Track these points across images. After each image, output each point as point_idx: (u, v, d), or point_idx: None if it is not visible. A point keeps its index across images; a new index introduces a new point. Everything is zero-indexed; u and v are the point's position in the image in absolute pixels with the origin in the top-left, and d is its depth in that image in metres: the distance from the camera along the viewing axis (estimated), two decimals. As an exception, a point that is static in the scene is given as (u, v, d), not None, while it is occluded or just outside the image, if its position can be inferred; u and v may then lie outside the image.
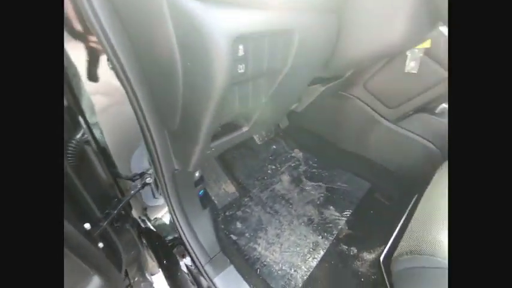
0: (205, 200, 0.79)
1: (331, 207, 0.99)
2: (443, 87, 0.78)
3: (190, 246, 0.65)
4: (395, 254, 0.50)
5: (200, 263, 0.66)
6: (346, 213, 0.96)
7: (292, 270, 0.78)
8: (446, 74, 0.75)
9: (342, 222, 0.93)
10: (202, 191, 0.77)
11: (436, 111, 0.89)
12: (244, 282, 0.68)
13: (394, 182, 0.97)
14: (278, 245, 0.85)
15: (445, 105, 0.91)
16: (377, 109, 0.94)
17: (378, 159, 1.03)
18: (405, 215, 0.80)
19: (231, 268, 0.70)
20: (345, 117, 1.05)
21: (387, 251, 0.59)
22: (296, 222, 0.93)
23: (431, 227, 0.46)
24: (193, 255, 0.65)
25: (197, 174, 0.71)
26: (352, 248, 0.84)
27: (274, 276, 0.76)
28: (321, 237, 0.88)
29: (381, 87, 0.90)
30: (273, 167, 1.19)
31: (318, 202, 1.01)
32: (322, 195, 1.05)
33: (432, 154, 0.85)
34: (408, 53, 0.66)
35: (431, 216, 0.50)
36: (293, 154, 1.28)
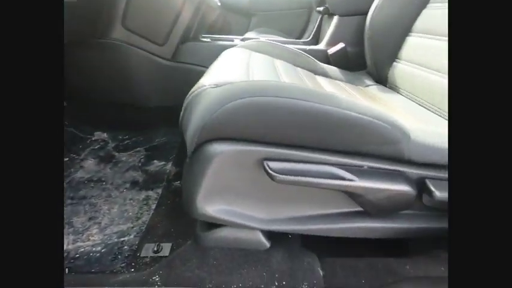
0: None
1: (155, 161, 0.90)
2: (188, 13, 0.89)
3: None
4: None
5: None
6: (171, 158, 0.91)
7: (123, 237, 0.61)
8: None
9: (169, 166, 0.87)
10: None
11: (201, 39, 1.03)
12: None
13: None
14: (95, 226, 0.64)
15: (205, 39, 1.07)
16: (150, 49, 0.93)
17: (176, 101, 1.05)
18: None
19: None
20: (122, 69, 0.95)
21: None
22: (117, 193, 0.75)
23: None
24: None
25: None
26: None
27: (96, 259, 0.55)
28: (151, 189, 0.77)
29: (141, 24, 0.89)
30: (66, 159, 0.89)
31: (140, 164, 0.88)
32: (143, 156, 0.92)
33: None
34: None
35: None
36: (94, 138, 1.02)
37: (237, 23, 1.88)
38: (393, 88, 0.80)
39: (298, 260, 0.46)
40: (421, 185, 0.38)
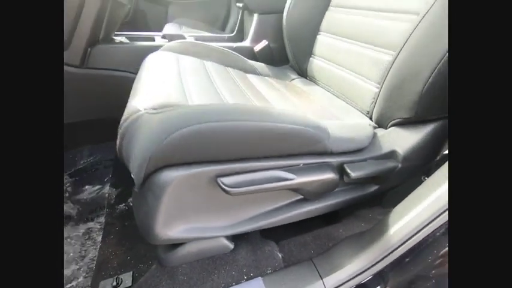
0: None
1: (87, 186, 0.79)
2: (91, 10, 0.76)
3: None
4: None
5: None
6: (106, 179, 0.82)
7: (70, 283, 0.55)
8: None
9: (107, 188, 0.78)
10: None
11: (113, 38, 0.91)
12: None
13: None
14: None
15: (120, 38, 0.95)
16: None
17: (98, 114, 0.92)
18: None
19: None
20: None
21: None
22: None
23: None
24: None
25: None
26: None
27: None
28: (90, 221, 0.69)
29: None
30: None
31: (67, 194, 0.76)
32: (68, 184, 0.80)
33: (127, 77, 0.88)
34: None
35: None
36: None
37: (152, 13, 1.70)
38: (313, 80, 0.92)
39: (260, 251, 0.52)
40: (341, 169, 0.49)
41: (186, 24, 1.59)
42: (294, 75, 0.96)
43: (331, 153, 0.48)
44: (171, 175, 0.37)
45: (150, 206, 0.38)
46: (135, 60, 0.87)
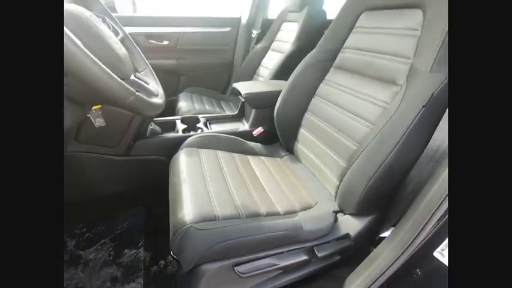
0: None
1: (126, 250, 1.02)
2: (138, 120, 1.06)
3: None
4: None
5: None
6: (140, 243, 1.05)
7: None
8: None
9: (141, 252, 1.02)
10: None
11: (147, 135, 1.21)
12: None
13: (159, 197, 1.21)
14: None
15: (153, 127, 1.25)
16: (102, 152, 1.05)
17: (134, 183, 1.19)
18: None
19: None
20: (77, 172, 1.04)
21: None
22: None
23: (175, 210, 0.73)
24: None
25: None
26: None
27: None
28: (133, 281, 0.91)
29: (93, 135, 1.01)
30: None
31: (111, 258, 0.99)
32: (111, 248, 1.03)
33: (159, 159, 1.16)
34: (89, 115, 0.81)
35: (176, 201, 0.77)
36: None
37: (167, 83, 2.05)
38: (298, 158, 1.22)
39: None
40: (312, 251, 0.75)
41: (195, 93, 1.94)
42: (283, 153, 1.26)
43: (305, 241, 0.75)
44: (207, 268, 0.63)
45: (193, 285, 0.64)
46: (165, 146, 1.17)
